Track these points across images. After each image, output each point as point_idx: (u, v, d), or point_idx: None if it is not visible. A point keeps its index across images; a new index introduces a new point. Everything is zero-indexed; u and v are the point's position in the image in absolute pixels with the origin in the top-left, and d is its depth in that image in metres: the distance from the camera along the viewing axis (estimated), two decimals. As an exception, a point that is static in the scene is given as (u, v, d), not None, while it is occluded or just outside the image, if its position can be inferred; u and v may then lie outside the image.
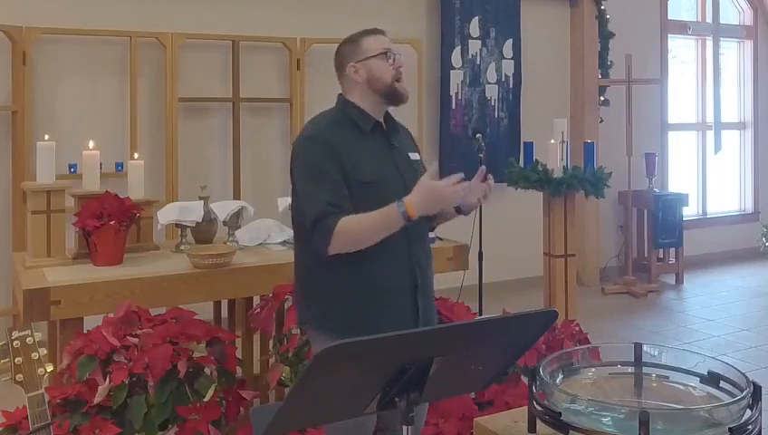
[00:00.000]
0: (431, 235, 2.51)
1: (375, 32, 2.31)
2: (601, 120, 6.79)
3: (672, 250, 6.97)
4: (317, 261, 2.18)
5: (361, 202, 2.12)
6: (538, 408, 1.50)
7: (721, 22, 7.84)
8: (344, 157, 2.14)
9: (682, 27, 7.65)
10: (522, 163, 4.80)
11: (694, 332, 5.34)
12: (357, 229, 2.09)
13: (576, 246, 4.68)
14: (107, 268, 3.11)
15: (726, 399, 1.47)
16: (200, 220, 3.55)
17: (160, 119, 5.03)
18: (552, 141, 4.57)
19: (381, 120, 2.29)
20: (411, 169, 2.26)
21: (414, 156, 2.32)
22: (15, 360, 1.84)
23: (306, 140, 2.23)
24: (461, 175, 2.11)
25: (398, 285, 2.21)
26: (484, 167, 2.26)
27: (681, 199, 6.92)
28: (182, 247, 3.45)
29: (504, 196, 5.40)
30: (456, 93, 6.12)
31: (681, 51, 7.92)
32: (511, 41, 6.34)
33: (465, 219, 2.54)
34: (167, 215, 3.55)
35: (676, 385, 1.62)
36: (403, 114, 2.55)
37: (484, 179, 2.23)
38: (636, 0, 7.18)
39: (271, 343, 3.29)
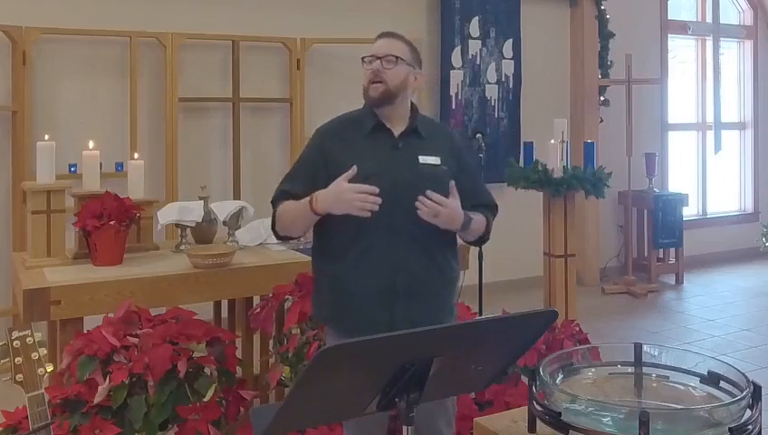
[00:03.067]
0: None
1: (381, 35, 2.38)
2: (601, 121, 6.79)
3: (672, 250, 6.97)
4: (313, 253, 2.39)
5: None
6: (538, 408, 1.50)
7: (721, 22, 7.84)
8: (331, 150, 2.29)
9: (682, 27, 7.65)
10: (522, 163, 4.80)
11: (694, 332, 5.34)
12: (283, 214, 2.29)
13: (576, 246, 4.68)
14: (107, 268, 3.11)
15: (726, 399, 1.47)
16: (200, 220, 3.55)
17: (160, 119, 5.03)
18: (552, 141, 4.57)
19: (386, 121, 2.32)
20: (416, 172, 2.26)
21: (427, 159, 2.30)
22: (15, 360, 1.85)
23: (313, 134, 2.42)
24: (373, 189, 2.12)
25: (368, 288, 2.22)
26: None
27: (681, 199, 6.92)
28: (182, 247, 3.45)
29: (504, 196, 5.39)
30: (456, 93, 6.12)
31: (681, 51, 7.92)
32: (511, 41, 6.34)
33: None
34: (167, 215, 3.55)
35: (676, 385, 1.62)
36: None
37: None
38: (636, 0, 7.18)
39: (271, 343, 3.29)
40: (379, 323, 2.16)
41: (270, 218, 2.38)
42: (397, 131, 2.31)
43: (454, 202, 2.20)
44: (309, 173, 2.29)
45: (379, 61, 2.27)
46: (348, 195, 2.13)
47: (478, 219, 2.34)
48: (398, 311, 2.21)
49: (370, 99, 2.29)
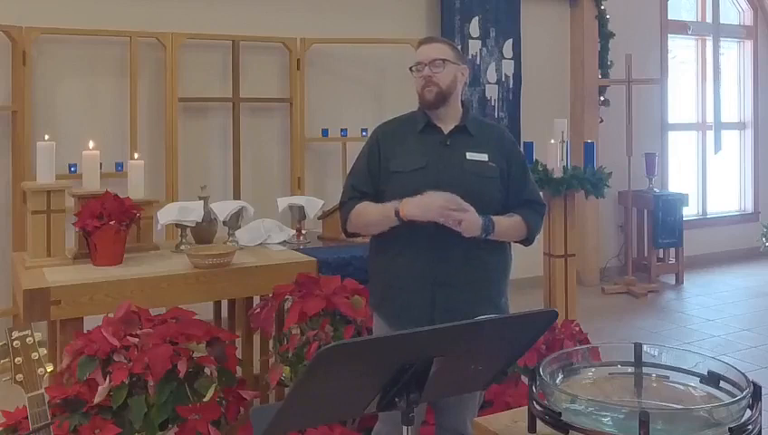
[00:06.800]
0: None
1: (422, 42, 2.50)
2: (601, 121, 6.79)
3: (672, 250, 6.97)
4: (369, 245, 2.55)
5: (389, 187, 2.39)
6: (538, 408, 1.50)
7: (721, 22, 7.84)
8: (384, 147, 2.44)
9: (682, 27, 7.65)
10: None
11: (694, 332, 5.34)
12: (364, 215, 2.41)
13: (576, 246, 4.68)
14: (107, 268, 3.11)
15: (726, 399, 1.47)
16: (200, 220, 3.55)
17: (160, 119, 5.03)
18: (552, 141, 4.57)
19: (437, 120, 2.43)
20: (462, 167, 2.37)
21: (474, 156, 2.40)
22: (15, 360, 1.85)
23: (372, 131, 2.57)
24: (457, 198, 2.26)
25: (415, 278, 2.35)
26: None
27: (681, 199, 6.92)
28: (182, 247, 3.45)
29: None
30: (456, 93, 6.11)
31: (681, 51, 7.92)
32: (511, 41, 6.34)
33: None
34: (167, 215, 3.54)
35: (676, 385, 1.61)
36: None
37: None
38: (636, 0, 7.18)
39: (271, 343, 3.28)
40: (418, 311, 2.32)
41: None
42: (446, 129, 2.43)
43: (472, 210, 2.29)
44: (369, 169, 2.45)
45: (427, 67, 2.40)
46: (435, 202, 2.24)
47: (510, 223, 2.42)
48: (438, 301, 2.33)
49: (427, 102, 2.42)
